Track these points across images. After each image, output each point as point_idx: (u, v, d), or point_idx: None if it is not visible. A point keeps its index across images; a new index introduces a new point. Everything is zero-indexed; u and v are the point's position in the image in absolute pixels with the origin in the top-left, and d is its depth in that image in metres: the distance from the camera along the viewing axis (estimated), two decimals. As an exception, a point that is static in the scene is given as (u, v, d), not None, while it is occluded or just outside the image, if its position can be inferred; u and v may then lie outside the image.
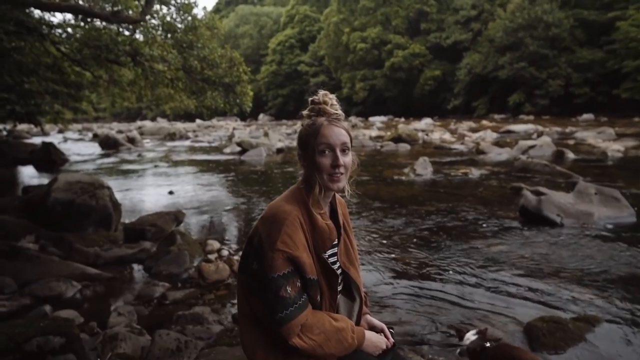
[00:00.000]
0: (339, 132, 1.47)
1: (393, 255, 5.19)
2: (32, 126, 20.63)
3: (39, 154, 15.42)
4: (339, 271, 1.53)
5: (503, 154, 13.96)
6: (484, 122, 31.47)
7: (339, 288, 1.57)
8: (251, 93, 11.03)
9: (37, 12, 10.51)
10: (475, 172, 10.76)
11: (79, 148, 22.13)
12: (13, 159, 15.76)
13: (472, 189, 9.08)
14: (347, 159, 1.49)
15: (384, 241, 5.77)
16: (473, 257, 5.01)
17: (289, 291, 1.35)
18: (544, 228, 6.05)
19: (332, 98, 1.52)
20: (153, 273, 4.60)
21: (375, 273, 4.67)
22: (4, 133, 19.17)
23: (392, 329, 1.69)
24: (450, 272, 4.61)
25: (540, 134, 20.44)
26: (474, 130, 24.50)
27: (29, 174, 13.37)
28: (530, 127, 24.60)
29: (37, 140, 22.44)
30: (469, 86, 46.18)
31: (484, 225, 6.36)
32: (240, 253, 1.56)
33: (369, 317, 1.69)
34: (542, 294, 3.98)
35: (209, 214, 7.65)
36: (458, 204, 7.67)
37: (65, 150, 19.14)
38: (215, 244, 5.41)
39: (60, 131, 38.26)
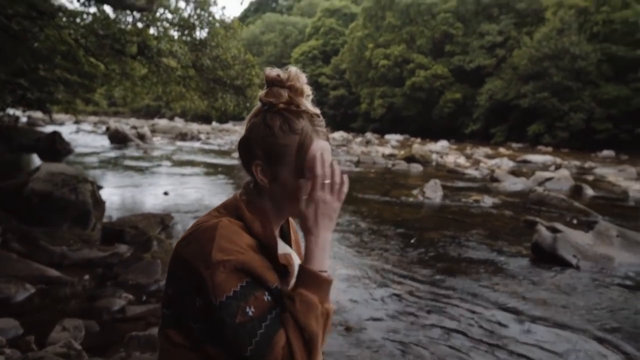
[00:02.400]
0: (329, 149, 1.02)
1: (387, 286, 4.69)
2: (46, 115, 20.59)
3: (44, 143, 15.22)
4: None
5: (518, 184, 13.36)
6: (501, 150, 30.77)
7: None
8: (262, 97, 10.71)
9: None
10: (487, 201, 10.20)
11: (88, 140, 21.99)
12: (19, 145, 15.58)
13: (482, 218, 8.54)
14: None
15: (380, 268, 5.27)
16: (477, 297, 4.49)
17: (251, 313, 0.87)
18: (558, 269, 5.50)
19: (307, 85, 1.01)
20: (119, 282, 4.15)
21: (365, 305, 4.17)
22: (12, 118, 19.09)
23: None
24: (450, 311, 4.09)
25: (558, 167, 19.78)
26: (490, 157, 23.87)
27: (30, 162, 13.13)
28: (548, 158, 23.88)
29: (49, 128, 22.38)
30: (488, 112, 45.47)
31: (492, 260, 5.83)
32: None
33: None
34: (551, 346, 3.45)
35: (200, 219, 7.21)
36: (466, 234, 7.14)
37: (74, 140, 18.99)
38: (196, 255, 4.96)
39: (76, 122, 38.38)
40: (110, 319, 3.48)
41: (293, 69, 1.01)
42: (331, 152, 1.03)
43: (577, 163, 22.72)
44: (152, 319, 3.49)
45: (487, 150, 29.44)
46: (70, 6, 12.22)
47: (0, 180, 7.82)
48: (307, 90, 1.01)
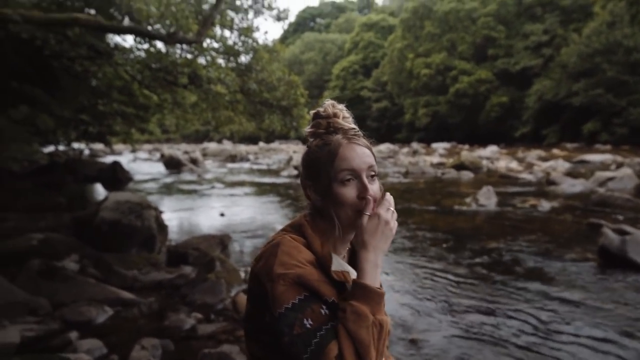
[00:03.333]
0: (363, 153, 1.09)
1: (448, 297, 4.65)
2: (107, 146, 21.78)
3: (106, 173, 16.10)
4: None
5: (577, 186, 12.83)
6: (555, 151, 29.62)
7: None
8: (308, 116, 10.90)
9: (109, 37, 11.07)
10: (545, 205, 9.87)
11: (145, 167, 23.02)
12: (84, 176, 16.54)
13: (541, 223, 8.27)
14: (376, 187, 1.09)
15: (439, 279, 5.23)
16: (542, 305, 4.37)
17: (309, 325, 0.94)
18: (629, 273, 5.25)
19: (342, 109, 1.14)
20: (187, 302, 4.35)
21: (427, 316, 4.16)
22: (77, 152, 20.33)
23: None
24: (515, 321, 4.01)
25: (619, 165, 18.79)
26: (543, 159, 23.04)
27: (95, 192, 13.92)
28: (607, 157, 22.75)
29: (109, 159, 23.63)
30: (538, 113, 43.97)
31: (556, 266, 5.64)
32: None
33: None
34: (621, 354, 3.31)
35: (257, 238, 7.41)
36: (525, 240, 6.95)
37: (132, 169, 19.95)
38: (257, 273, 5.11)
39: (133, 151, 40.26)
40: (183, 337, 3.66)
41: (328, 101, 1.15)
42: (371, 156, 1.10)
43: (640, 160, 21.51)
44: (222, 337, 3.64)
45: (540, 152, 28.41)
46: (125, 44, 13.01)
47: (71, 211, 8.38)
48: (343, 113, 1.13)
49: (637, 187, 11.91)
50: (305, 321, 0.94)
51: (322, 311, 0.97)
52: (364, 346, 0.94)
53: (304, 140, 1.21)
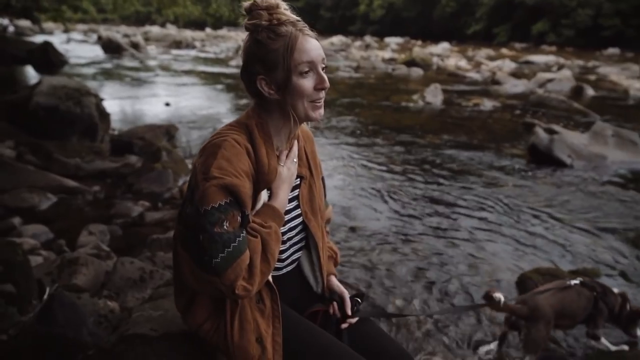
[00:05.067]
0: (317, 45, 1.11)
1: (388, 188, 4.93)
2: (35, 24, 19.73)
3: (36, 54, 14.79)
4: (293, 215, 1.25)
5: (519, 86, 13.27)
6: (504, 51, 29.96)
7: (295, 239, 1.28)
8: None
9: None
10: (487, 104, 10.22)
11: (80, 50, 21.34)
12: (11, 56, 15.13)
13: (482, 121, 8.64)
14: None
15: (382, 171, 5.49)
16: (473, 197, 4.74)
17: (226, 226, 1.01)
18: (553, 169, 5.73)
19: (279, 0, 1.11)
20: (134, 190, 4.38)
21: (366, 206, 4.43)
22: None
23: (359, 298, 1.36)
24: (447, 211, 4.36)
25: (561, 67, 19.43)
26: (491, 59, 23.33)
27: (26, 74, 12.92)
28: (551, 58, 23.37)
29: (39, 39, 21.58)
30: (492, 10, 43.62)
31: (490, 162, 6.04)
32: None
33: (333, 279, 1.41)
34: (541, 242, 3.74)
35: (204, 129, 7.32)
36: (465, 137, 7.30)
37: (67, 51, 18.44)
38: (204, 163, 5.15)
39: (65, 31, 36.74)
40: (131, 224, 3.74)
41: None
42: (322, 48, 1.12)
43: (581, 62, 22.28)
44: (170, 224, 3.74)
45: (489, 51, 28.66)
46: None
47: (1, 94, 7.80)
48: (283, 4, 1.11)
49: (573, 89, 12.50)
50: (225, 223, 1.01)
51: (238, 219, 1.05)
52: (274, 259, 1.11)
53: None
